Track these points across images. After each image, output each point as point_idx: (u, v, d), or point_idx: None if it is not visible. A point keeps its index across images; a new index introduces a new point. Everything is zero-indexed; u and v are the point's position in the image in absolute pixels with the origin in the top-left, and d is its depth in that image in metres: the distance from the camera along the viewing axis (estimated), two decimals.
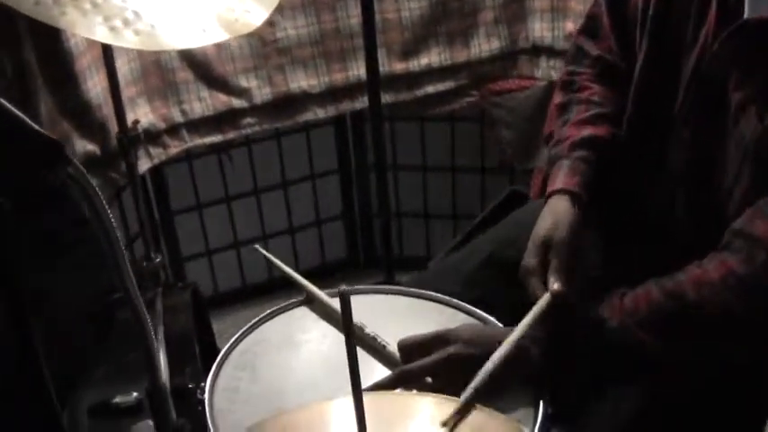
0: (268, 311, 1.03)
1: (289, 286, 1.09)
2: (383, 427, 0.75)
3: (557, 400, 0.86)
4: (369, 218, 2.36)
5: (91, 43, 1.51)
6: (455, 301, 1.03)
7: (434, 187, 2.31)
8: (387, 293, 1.07)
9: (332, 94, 1.94)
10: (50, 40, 1.45)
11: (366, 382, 0.85)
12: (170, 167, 1.99)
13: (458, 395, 0.80)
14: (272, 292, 2.12)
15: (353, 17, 1.86)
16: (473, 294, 1.06)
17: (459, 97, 2.04)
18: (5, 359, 0.77)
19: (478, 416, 0.78)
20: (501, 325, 0.97)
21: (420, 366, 0.88)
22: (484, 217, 1.88)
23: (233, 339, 0.98)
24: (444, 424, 0.77)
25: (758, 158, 0.86)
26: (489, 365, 0.84)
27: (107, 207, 0.68)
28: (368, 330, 0.96)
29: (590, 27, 1.14)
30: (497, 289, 1.07)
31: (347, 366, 0.65)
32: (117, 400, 1.12)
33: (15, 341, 0.75)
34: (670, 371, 0.90)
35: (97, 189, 0.67)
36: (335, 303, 0.99)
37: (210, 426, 0.84)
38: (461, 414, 0.78)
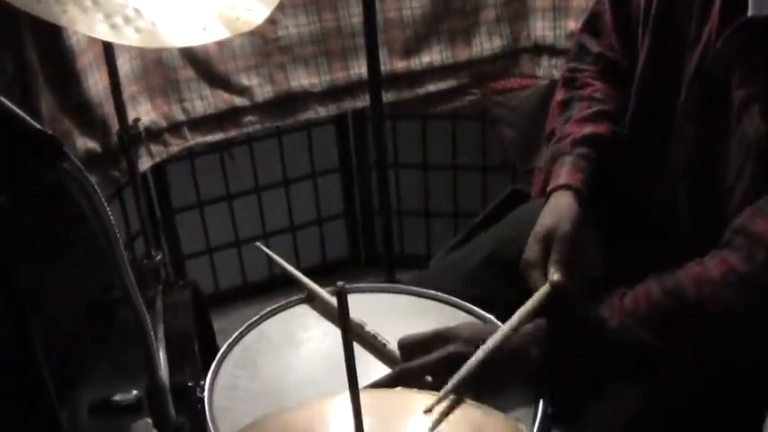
0: (269, 309, 1.03)
1: (289, 284, 1.09)
2: (383, 425, 0.75)
3: (556, 399, 0.86)
4: (370, 216, 2.36)
5: (92, 41, 1.51)
6: (455, 299, 1.03)
7: (436, 186, 2.30)
8: (387, 292, 1.07)
9: (333, 93, 1.94)
10: (51, 38, 1.44)
11: (366, 380, 0.86)
12: (171, 165, 1.99)
13: None
14: (272, 290, 2.12)
15: (355, 15, 1.86)
16: (473, 293, 1.06)
17: (460, 96, 2.03)
18: (5, 359, 0.77)
19: (478, 414, 0.78)
20: (501, 324, 0.97)
21: (420, 365, 0.88)
22: (485, 216, 1.88)
23: (233, 337, 0.98)
24: (428, 410, 0.76)
25: (760, 156, 0.86)
26: (480, 354, 0.84)
27: (106, 204, 0.68)
28: (368, 328, 0.95)
29: (592, 24, 1.14)
30: (498, 288, 1.07)
31: None
32: (116, 398, 1.12)
33: (15, 340, 0.74)
34: (670, 370, 0.90)
35: (96, 186, 0.67)
36: (336, 301, 0.99)
37: (210, 424, 0.84)
38: (452, 405, 0.78)
